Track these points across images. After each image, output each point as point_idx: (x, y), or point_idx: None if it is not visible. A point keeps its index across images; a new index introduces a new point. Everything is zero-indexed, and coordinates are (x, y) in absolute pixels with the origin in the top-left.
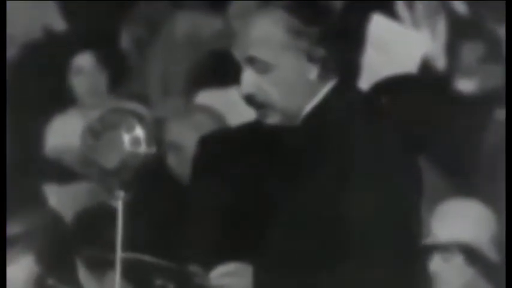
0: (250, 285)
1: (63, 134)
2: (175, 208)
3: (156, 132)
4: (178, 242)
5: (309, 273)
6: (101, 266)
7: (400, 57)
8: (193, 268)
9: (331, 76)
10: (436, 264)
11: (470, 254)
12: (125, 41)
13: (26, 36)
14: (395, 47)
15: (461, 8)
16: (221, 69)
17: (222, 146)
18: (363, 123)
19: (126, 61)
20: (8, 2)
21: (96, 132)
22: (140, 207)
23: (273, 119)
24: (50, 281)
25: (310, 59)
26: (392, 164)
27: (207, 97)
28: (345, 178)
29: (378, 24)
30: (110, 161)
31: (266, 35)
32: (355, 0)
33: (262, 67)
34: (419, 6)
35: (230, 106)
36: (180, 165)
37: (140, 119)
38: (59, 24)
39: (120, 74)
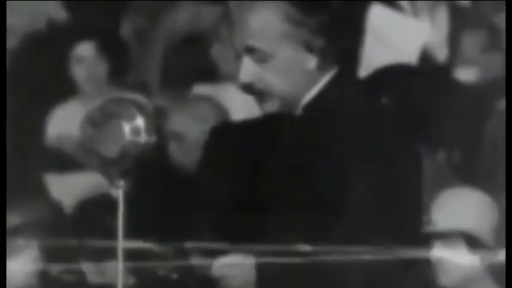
0: (252, 276)
1: (64, 123)
2: (177, 198)
3: (157, 121)
4: (180, 232)
5: (311, 262)
6: (102, 255)
7: (400, 47)
8: (196, 259)
9: (331, 66)
10: (437, 252)
11: (471, 241)
12: (126, 30)
13: (26, 26)
14: (395, 37)
15: None
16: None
17: (228, 137)
18: (362, 113)
19: (127, 51)
20: None
21: (96, 122)
22: (141, 196)
23: (272, 106)
24: (53, 271)
25: (309, 49)
26: (392, 153)
27: (204, 89)
28: (345, 167)
29: (377, 14)
30: (111, 150)
31: (265, 24)
32: None
33: (261, 56)
34: None
35: (228, 98)
36: (182, 154)
37: (140, 109)
38: (59, 14)
39: (120, 64)
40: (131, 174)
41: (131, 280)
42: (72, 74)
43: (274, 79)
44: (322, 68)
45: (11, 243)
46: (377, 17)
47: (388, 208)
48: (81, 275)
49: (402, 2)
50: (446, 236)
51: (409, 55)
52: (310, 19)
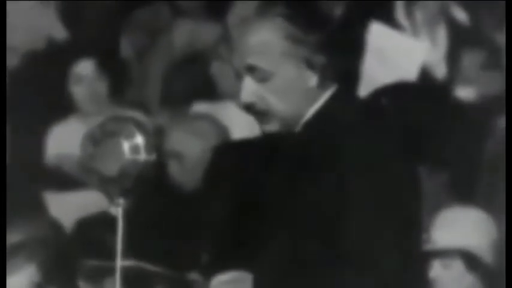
0: None
1: (64, 141)
2: (176, 216)
3: (156, 139)
4: (178, 250)
5: (309, 281)
6: (100, 274)
7: (399, 65)
8: (193, 276)
9: (331, 83)
10: (436, 270)
11: (470, 260)
12: (125, 49)
13: (27, 45)
14: (394, 55)
15: (461, 16)
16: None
17: (228, 155)
18: (362, 131)
19: (126, 69)
20: (8, 12)
21: (96, 140)
22: (140, 215)
23: (272, 126)
24: None
25: (310, 66)
26: (391, 171)
27: (203, 108)
28: (344, 186)
29: (376, 33)
30: (110, 168)
31: (265, 43)
32: (354, 8)
33: (261, 75)
34: (419, 14)
35: (228, 116)
36: (181, 172)
37: (140, 127)
38: (59, 32)
39: (120, 82)
40: (131, 193)
41: None
42: (72, 92)
43: (275, 98)
44: (322, 85)
45: (10, 261)
46: (376, 35)
47: (387, 226)
48: None
49: (402, 21)
50: (445, 255)
51: (409, 73)
52: (310, 37)
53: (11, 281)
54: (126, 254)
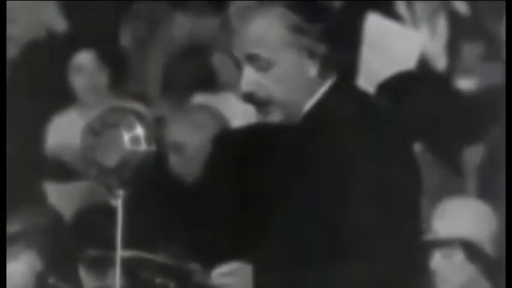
0: (250, 285)
1: (63, 132)
2: (176, 207)
3: (156, 131)
4: (179, 241)
5: (309, 272)
6: (101, 264)
7: (397, 55)
8: (194, 267)
9: (331, 74)
10: (437, 261)
11: (471, 250)
12: (125, 39)
13: (26, 35)
14: (391, 46)
15: (461, 7)
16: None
17: (226, 145)
18: (362, 121)
19: (126, 60)
20: (8, 2)
21: (96, 131)
22: (141, 206)
23: (273, 117)
24: (51, 280)
25: (311, 56)
26: (391, 161)
27: (204, 99)
28: (344, 175)
29: (373, 23)
30: (110, 159)
31: (266, 32)
32: None
33: (262, 65)
34: (419, 5)
35: (228, 107)
36: (181, 163)
37: (140, 118)
38: (59, 23)
39: (120, 73)
40: (131, 184)
41: None
42: (72, 83)
43: (275, 87)
44: (322, 75)
45: (10, 250)
46: (373, 26)
47: (387, 216)
48: (79, 283)
49: (402, 12)
50: (445, 244)
51: (407, 63)
52: (311, 26)
53: (11, 271)
54: (127, 245)
